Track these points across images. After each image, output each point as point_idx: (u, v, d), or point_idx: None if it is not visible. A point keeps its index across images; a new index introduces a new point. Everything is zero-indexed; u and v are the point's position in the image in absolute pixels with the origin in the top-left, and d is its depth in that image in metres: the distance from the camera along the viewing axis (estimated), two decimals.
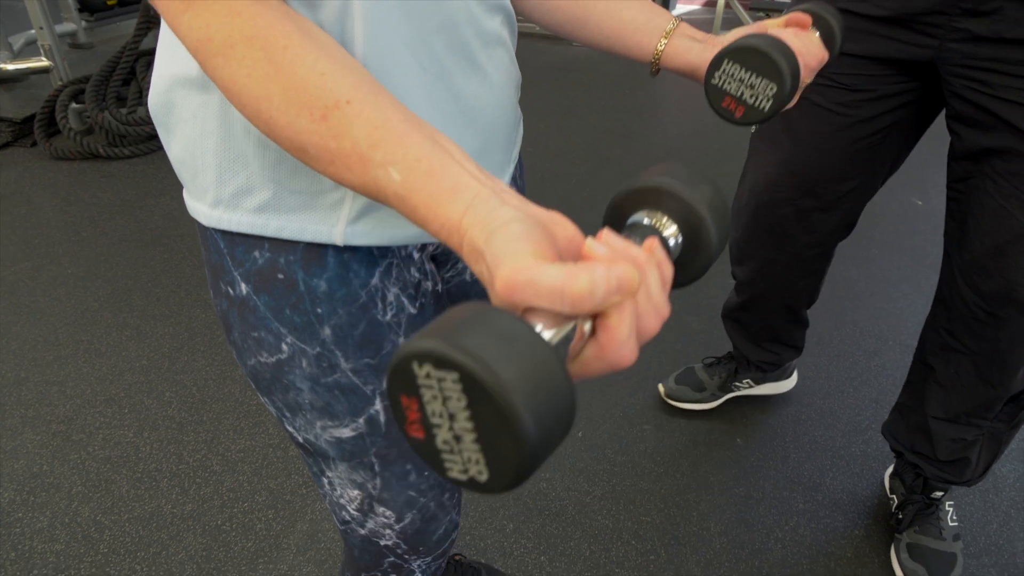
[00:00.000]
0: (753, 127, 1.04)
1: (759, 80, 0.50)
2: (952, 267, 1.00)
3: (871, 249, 2.16)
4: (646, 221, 0.36)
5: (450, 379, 0.24)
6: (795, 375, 1.57)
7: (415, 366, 0.24)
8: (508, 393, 0.22)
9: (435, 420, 0.25)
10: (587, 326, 0.30)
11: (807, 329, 1.39)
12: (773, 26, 0.59)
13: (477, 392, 0.23)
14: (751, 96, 0.51)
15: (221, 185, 0.48)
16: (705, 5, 5.27)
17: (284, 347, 0.52)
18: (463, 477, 0.26)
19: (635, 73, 3.71)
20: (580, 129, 3.01)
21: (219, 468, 1.38)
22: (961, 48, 0.85)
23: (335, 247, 0.49)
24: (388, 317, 0.53)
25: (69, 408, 1.53)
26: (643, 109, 3.27)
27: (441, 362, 0.23)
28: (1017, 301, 0.90)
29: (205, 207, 0.50)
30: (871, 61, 0.94)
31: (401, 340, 0.54)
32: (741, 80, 0.51)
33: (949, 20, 0.85)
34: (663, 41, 0.58)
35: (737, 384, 1.49)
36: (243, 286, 0.51)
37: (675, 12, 4.97)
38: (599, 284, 0.27)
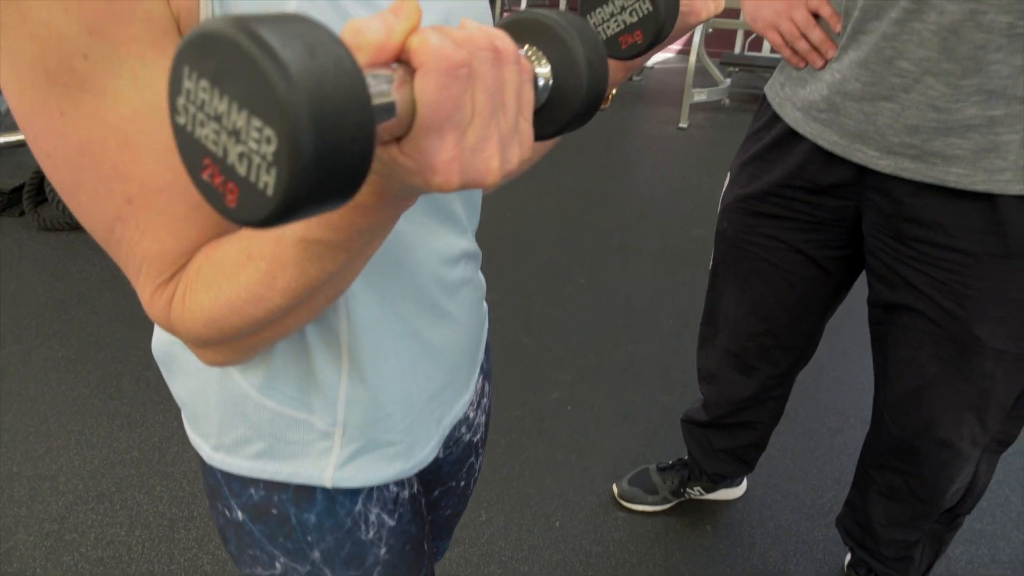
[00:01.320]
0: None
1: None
2: (879, 397, 1.09)
3: (832, 319, 2.25)
4: (522, 53, 0.35)
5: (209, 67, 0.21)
6: (744, 482, 1.64)
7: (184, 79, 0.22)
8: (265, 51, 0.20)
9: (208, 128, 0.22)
10: (398, 69, 0.27)
11: (763, 451, 1.47)
12: None
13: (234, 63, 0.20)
14: (632, 14, 0.47)
15: (222, 434, 0.55)
16: (679, 53, 5.44)
17: (278, 565, 0.59)
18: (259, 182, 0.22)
19: (608, 132, 3.84)
20: (555, 193, 3.11)
21: (210, 569, 1.43)
22: (870, 214, 0.95)
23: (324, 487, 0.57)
24: (370, 535, 0.60)
25: (61, 505, 1.57)
26: (616, 170, 3.38)
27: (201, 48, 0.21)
28: (935, 439, 0.99)
29: (207, 448, 0.57)
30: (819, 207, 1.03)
31: (383, 551, 0.61)
32: (613, 14, 0.48)
33: (857, 191, 0.95)
34: None
35: (688, 491, 1.56)
36: (239, 513, 0.58)
37: (648, 62, 5.13)
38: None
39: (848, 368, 2.04)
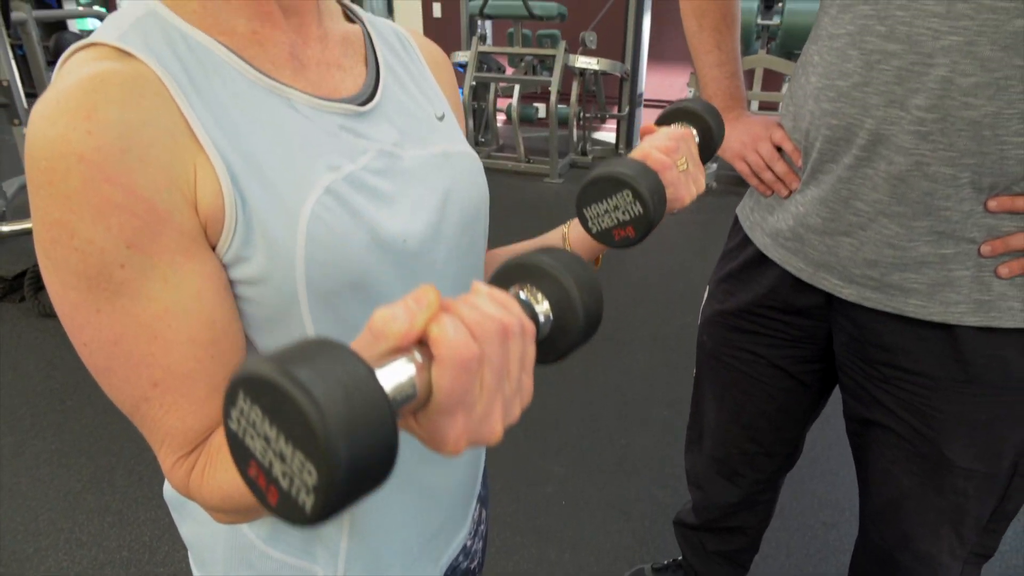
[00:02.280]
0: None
1: (617, 198, 0.52)
2: (862, 506, 1.11)
3: (825, 408, 2.28)
4: (522, 296, 0.40)
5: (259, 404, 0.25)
6: None
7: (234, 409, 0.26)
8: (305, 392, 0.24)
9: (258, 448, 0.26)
10: (417, 355, 0.31)
11: (756, 553, 1.48)
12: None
13: (277, 402, 0.25)
14: (624, 213, 0.53)
15: None
16: None
17: None
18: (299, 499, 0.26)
19: None
20: None
21: None
22: (840, 336, 1.00)
23: None
24: None
25: None
26: (608, 255, 3.45)
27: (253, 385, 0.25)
28: (914, 551, 1.01)
29: None
30: (794, 327, 1.08)
31: None
32: (607, 211, 0.54)
33: (827, 314, 0.99)
34: (564, 230, 0.69)
35: None
36: None
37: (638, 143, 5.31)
38: (404, 303, 0.31)
39: (841, 460, 2.05)
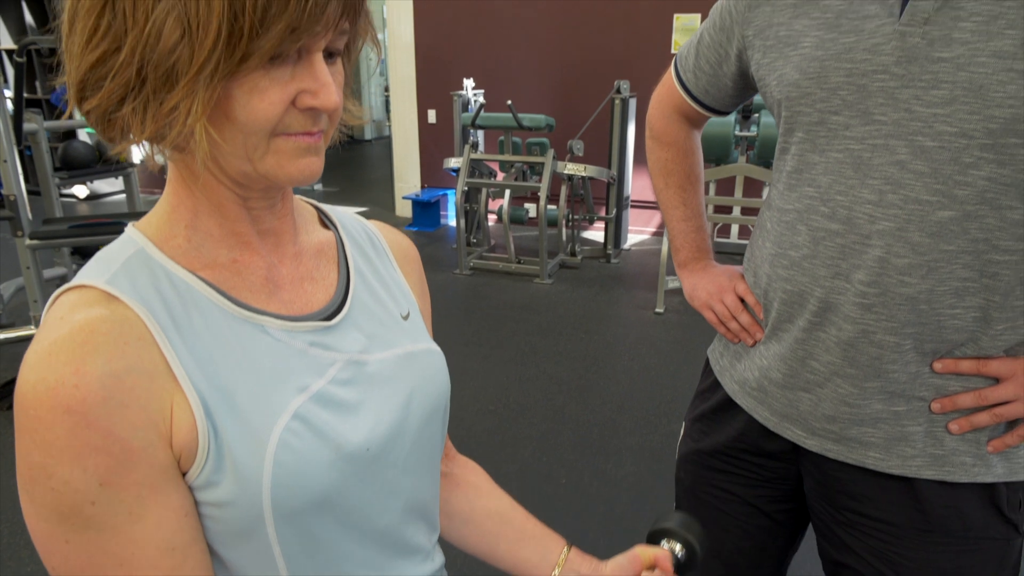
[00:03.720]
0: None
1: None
2: None
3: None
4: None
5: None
6: None
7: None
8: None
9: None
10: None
11: None
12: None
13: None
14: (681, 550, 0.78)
15: None
16: (653, 235, 5.80)
17: None
18: None
19: (590, 317, 4.01)
20: (537, 380, 3.21)
21: None
22: (808, 480, 1.02)
23: None
24: None
25: None
26: (598, 357, 3.51)
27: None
28: None
29: None
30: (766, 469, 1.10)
31: None
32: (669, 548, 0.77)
33: (795, 459, 1.02)
34: (556, 572, 0.73)
35: None
36: None
37: (626, 244, 5.47)
38: None
39: None
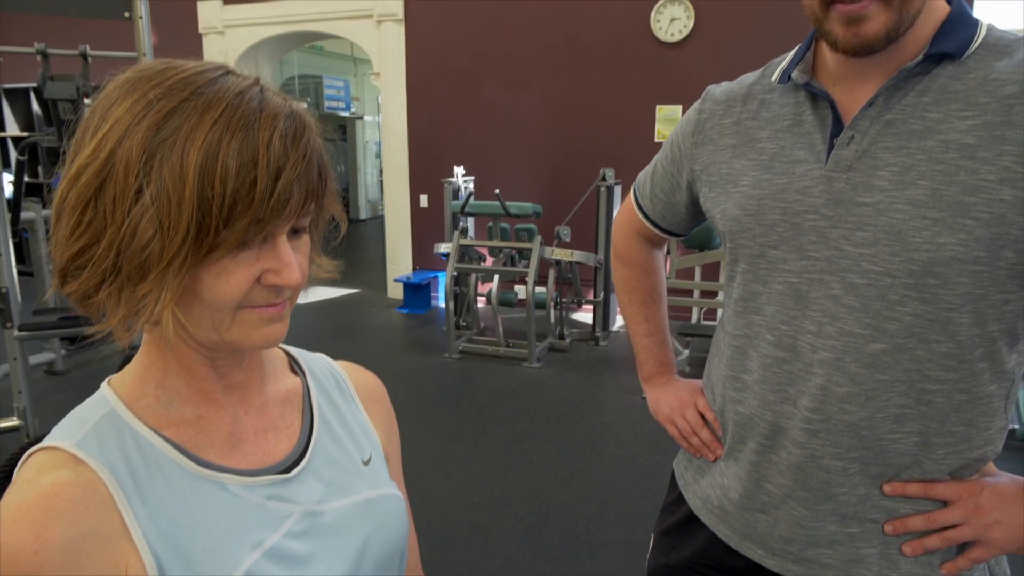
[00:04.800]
0: None
1: None
2: None
3: None
4: None
5: None
6: None
7: None
8: None
9: None
10: None
11: None
12: None
13: None
14: None
15: None
16: None
17: None
18: None
19: (578, 404, 4.02)
20: (523, 470, 3.18)
21: None
22: None
23: None
24: None
25: None
26: (584, 445, 3.49)
27: None
28: None
29: None
30: None
31: None
32: None
33: (760, 573, 1.02)
34: None
35: None
36: None
37: (614, 326, 5.51)
38: None
39: None
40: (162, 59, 0.54)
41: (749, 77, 1.01)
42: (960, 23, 0.81)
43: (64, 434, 0.54)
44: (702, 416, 1.08)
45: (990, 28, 0.82)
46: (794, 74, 0.89)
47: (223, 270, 0.51)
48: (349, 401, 0.72)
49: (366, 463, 0.68)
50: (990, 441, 0.86)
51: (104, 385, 0.59)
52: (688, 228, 1.17)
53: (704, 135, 1.01)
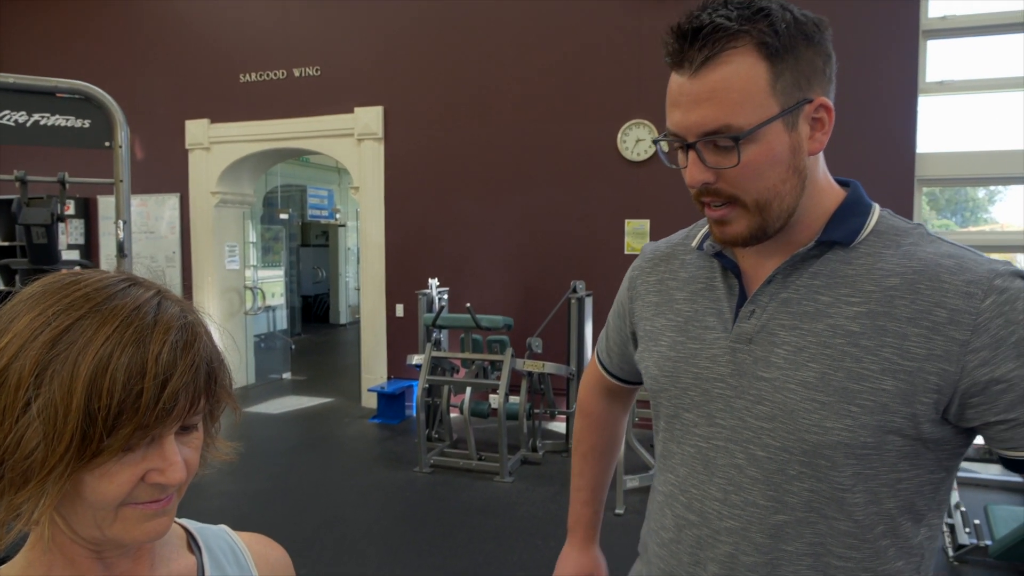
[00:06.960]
0: None
1: None
2: None
3: None
4: None
5: None
6: None
7: None
8: None
9: None
10: None
11: None
12: None
13: None
14: None
15: None
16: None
17: None
18: None
19: (549, 520, 3.92)
20: None
21: None
22: None
23: None
24: None
25: None
26: (553, 567, 3.37)
27: None
28: None
29: None
30: None
31: None
32: None
33: None
34: None
35: None
36: None
37: None
38: None
39: None
40: (72, 271, 0.58)
41: (678, 236, 1.06)
42: (852, 211, 0.85)
43: None
44: None
45: (882, 216, 0.86)
46: (706, 244, 0.93)
47: (106, 472, 0.53)
48: None
49: None
50: None
51: None
52: None
53: (635, 291, 1.06)
